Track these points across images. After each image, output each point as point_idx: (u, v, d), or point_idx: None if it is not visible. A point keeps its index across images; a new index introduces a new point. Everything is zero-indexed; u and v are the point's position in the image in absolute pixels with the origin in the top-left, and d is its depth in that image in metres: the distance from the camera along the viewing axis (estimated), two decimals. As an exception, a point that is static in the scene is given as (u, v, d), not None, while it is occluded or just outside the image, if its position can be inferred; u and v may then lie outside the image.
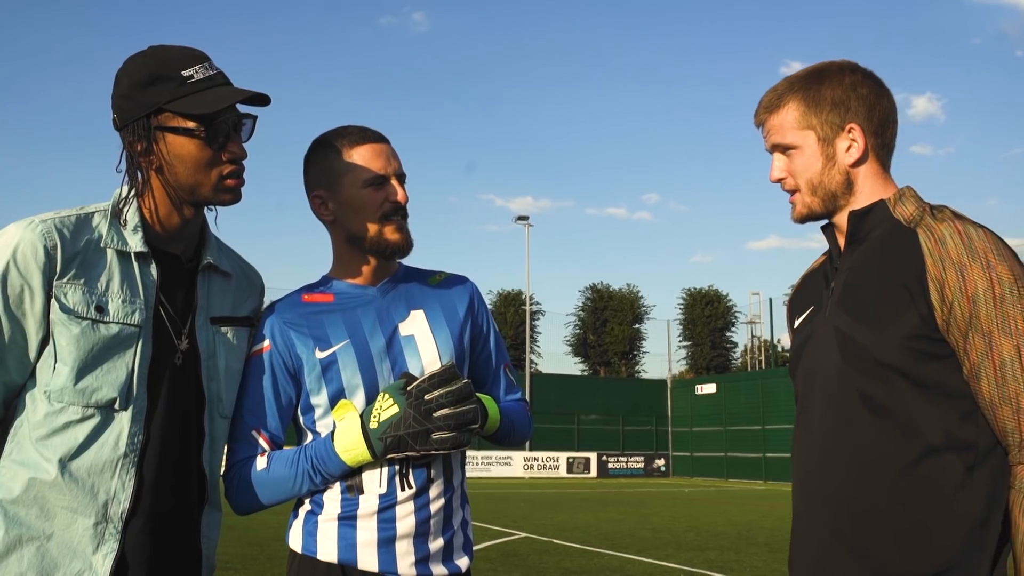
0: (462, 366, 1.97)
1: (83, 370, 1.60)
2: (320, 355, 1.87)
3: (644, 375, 50.35)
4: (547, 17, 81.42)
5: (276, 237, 74.33)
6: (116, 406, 1.63)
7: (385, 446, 1.75)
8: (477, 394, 1.86)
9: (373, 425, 1.77)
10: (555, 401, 41.38)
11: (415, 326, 1.94)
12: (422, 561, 1.83)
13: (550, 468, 36.96)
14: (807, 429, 1.72)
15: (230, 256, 1.94)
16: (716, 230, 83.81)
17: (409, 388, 1.78)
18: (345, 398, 1.86)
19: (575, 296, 74.99)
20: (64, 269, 1.61)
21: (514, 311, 48.95)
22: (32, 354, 1.62)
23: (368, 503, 1.82)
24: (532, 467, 36.62)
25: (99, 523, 1.60)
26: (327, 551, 1.83)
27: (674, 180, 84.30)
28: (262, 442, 1.87)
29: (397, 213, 1.91)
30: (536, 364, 47.99)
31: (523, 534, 12.30)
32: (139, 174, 1.72)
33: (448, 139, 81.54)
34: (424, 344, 1.92)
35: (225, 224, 1.90)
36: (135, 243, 1.70)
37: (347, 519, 1.83)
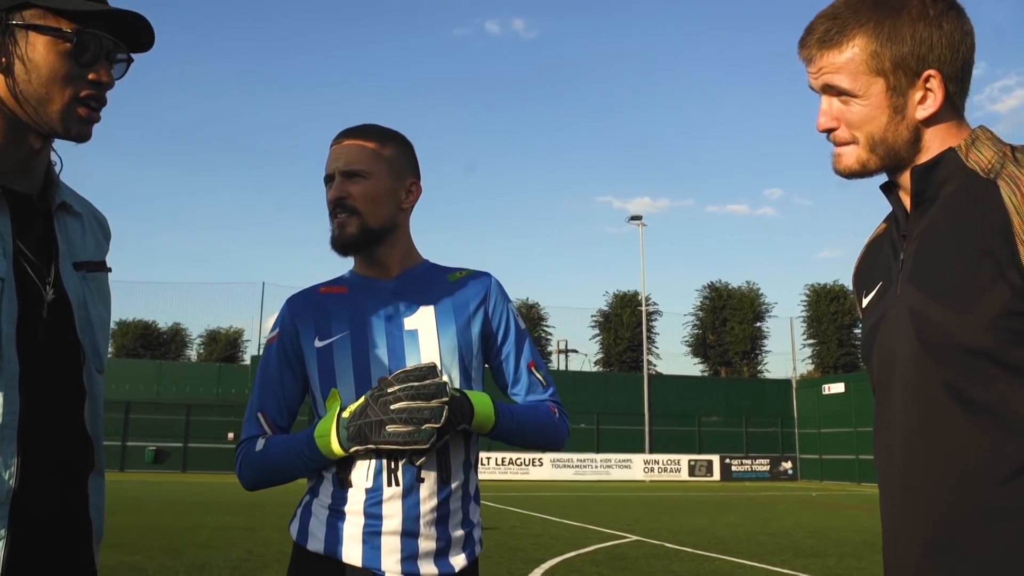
0: (467, 364, 1.93)
1: None
2: (319, 344, 1.91)
3: (767, 375, 48.92)
4: (658, 16, 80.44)
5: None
6: None
7: (348, 435, 1.76)
8: (467, 392, 1.85)
9: (345, 415, 1.78)
10: (675, 403, 40.73)
11: (421, 321, 1.93)
12: (409, 559, 1.80)
13: (671, 471, 36.37)
14: (888, 426, 1.43)
15: (77, 197, 1.69)
16: (843, 223, 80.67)
17: (379, 381, 1.78)
18: (337, 387, 1.86)
19: (693, 295, 73.64)
20: None
21: (630, 312, 48.40)
22: None
23: (356, 497, 1.82)
24: (652, 470, 36.13)
25: None
26: (316, 542, 1.84)
27: (798, 174, 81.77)
28: (264, 424, 1.94)
29: (334, 210, 1.93)
30: (654, 365, 47.33)
31: (634, 537, 12.05)
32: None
33: (563, 144, 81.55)
34: (426, 340, 1.91)
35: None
36: None
37: (336, 512, 1.84)
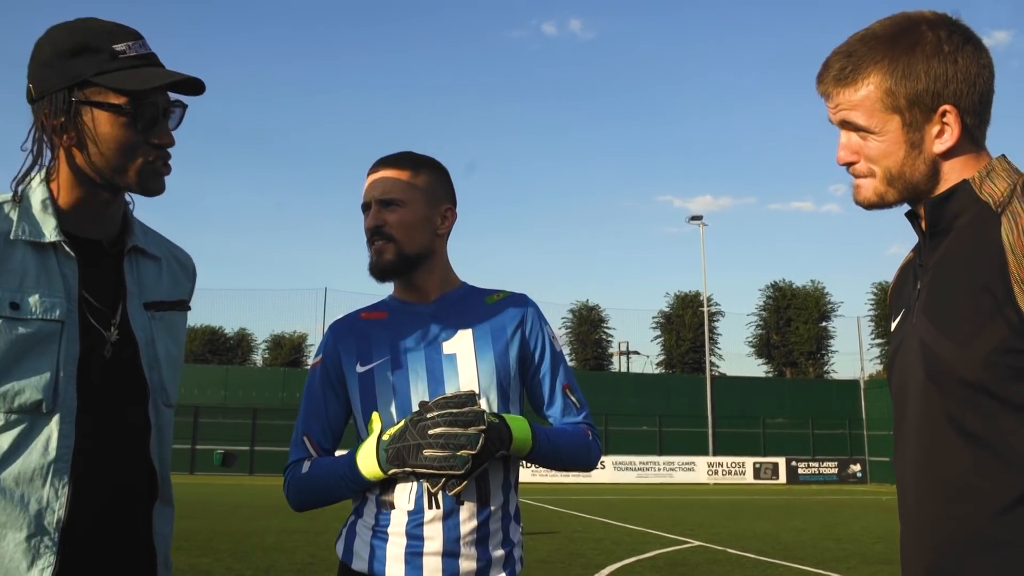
0: (505, 387, 1.96)
1: (2, 373, 1.48)
2: (360, 369, 1.96)
3: (834, 376, 47.96)
4: (717, 12, 79.55)
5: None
6: (43, 409, 1.49)
7: (387, 457, 1.81)
8: (505, 416, 1.88)
9: (384, 438, 1.83)
10: (738, 404, 40.24)
11: (459, 345, 1.97)
12: None
13: (735, 474, 35.91)
14: (903, 449, 1.47)
15: (157, 239, 1.81)
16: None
17: (420, 406, 1.82)
18: (378, 411, 1.92)
19: (756, 295, 72.50)
20: None
21: (692, 313, 47.92)
22: None
23: (398, 519, 1.87)
24: (716, 473, 35.71)
25: (32, 536, 1.47)
26: (360, 562, 1.90)
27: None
28: (309, 447, 2.00)
29: (372, 237, 1.97)
30: (717, 367, 46.76)
31: (696, 542, 11.92)
32: (49, 152, 1.58)
33: (621, 144, 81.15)
34: (464, 363, 1.95)
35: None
36: (49, 232, 1.55)
37: (380, 533, 1.89)
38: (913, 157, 1.42)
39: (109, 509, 1.56)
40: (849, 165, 1.49)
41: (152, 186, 1.61)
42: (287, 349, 45.65)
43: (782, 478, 36.06)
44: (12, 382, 1.48)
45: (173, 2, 72.24)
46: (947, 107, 1.38)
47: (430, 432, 1.75)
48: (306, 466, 1.96)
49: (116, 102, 1.55)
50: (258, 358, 46.88)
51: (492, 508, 1.89)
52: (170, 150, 1.64)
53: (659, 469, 35.21)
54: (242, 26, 73.36)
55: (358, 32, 77.07)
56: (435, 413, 1.77)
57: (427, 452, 1.74)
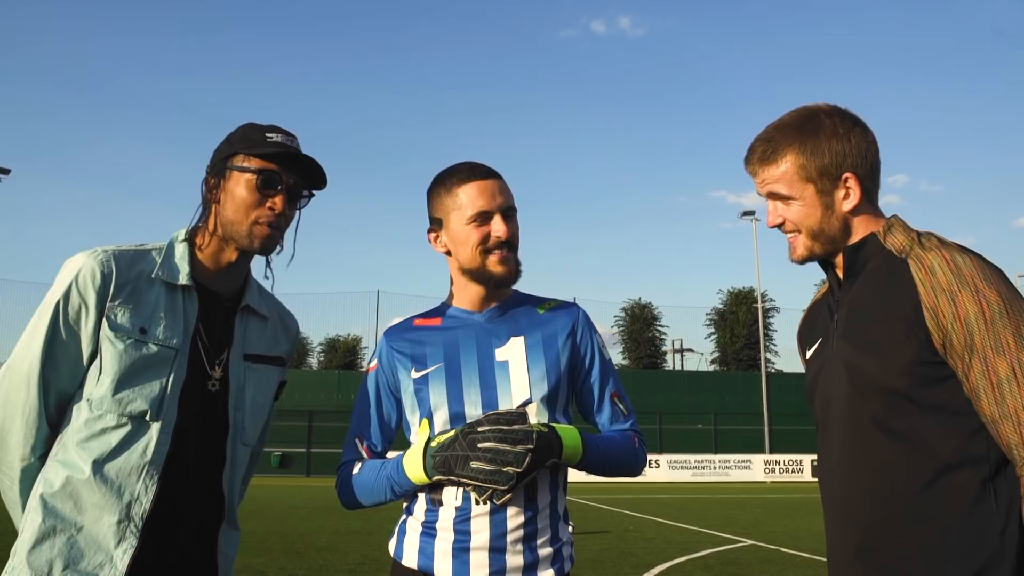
0: (555, 394, 2.01)
1: (122, 382, 1.80)
2: (415, 375, 2.03)
3: (894, 371, 46.88)
4: (767, 6, 78.44)
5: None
6: (147, 417, 1.81)
7: (434, 463, 1.87)
8: (555, 426, 1.93)
9: (433, 444, 1.90)
10: (796, 401, 39.60)
11: (512, 352, 2.02)
12: (496, 573, 1.89)
13: (793, 472, 35.35)
14: (827, 455, 1.79)
15: (269, 301, 2.13)
16: (975, 208, 76.91)
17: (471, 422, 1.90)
18: (431, 417, 1.98)
19: (811, 290, 71.21)
20: (116, 293, 1.84)
21: (746, 309, 47.38)
22: (83, 364, 1.83)
23: (446, 515, 1.93)
24: (773, 471, 35.21)
25: (122, 521, 1.77)
26: (411, 558, 1.97)
27: (926, 159, 78.61)
28: (361, 450, 2.08)
29: (501, 247, 1.99)
30: (773, 363, 46.15)
31: (750, 541, 11.80)
32: (206, 210, 1.96)
33: (672, 140, 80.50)
34: (516, 371, 1.99)
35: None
36: (183, 277, 1.90)
37: (428, 529, 1.96)
38: (828, 216, 1.79)
39: (183, 517, 1.85)
40: (778, 227, 1.86)
41: (258, 243, 1.94)
42: (341, 352, 46.20)
43: (841, 476, 35.42)
44: (128, 392, 1.80)
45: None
46: (848, 174, 1.77)
47: (479, 445, 1.82)
48: (357, 467, 2.05)
49: (250, 166, 1.92)
50: (313, 361, 47.54)
51: (540, 506, 1.94)
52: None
53: (714, 467, 34.82)
54: (324, 27, 74.36)
55: (418, 34, 77.69)
56: (486, 428, 1.83)
57: (474, 464, 1.81)
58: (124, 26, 69.65)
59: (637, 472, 2.12)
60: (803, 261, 1.86)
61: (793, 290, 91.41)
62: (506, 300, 2.10)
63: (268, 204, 1.91)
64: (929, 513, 1.61)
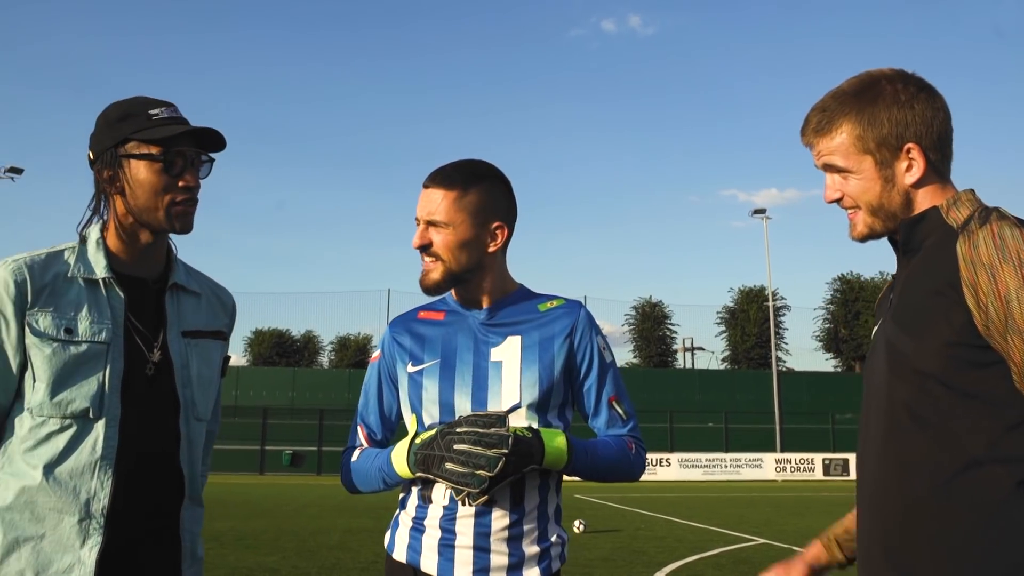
0: (547, 397, 1.99)
1: (57, 385, 1.80)
2: (411, 370, 2.04)
3: (906, 369, 46.68)
4: (777, 4, 78.20)
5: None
6: (90, 415, 1.81)
7: (415, 460, 1.90)
8: (542, 431, 1.92)
9: (417, 441, 1.91)
10: (807, 400, 39.54)
11: (507, 353, 2.00)
12: (481, 571, 1.90)
13: (804, 470, 35.27)
14: (865, 444, 1.69)
15: (199, 278, 2.12)
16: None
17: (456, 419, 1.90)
18: (420, 413, 2.00)
19: (823, 289, 70.99)
20: (35, 299, 1.83)
21: (757, 308, 47.24)
22: (14, 376, 1.83)
23: (434, 512, 1.95)
24: (784, 470, 35.14)
25: (83, 520, 1.78)
26: (400, 552, 2.00)
27: (932, 157, 77.72)
28: (361, 437, 2.12)
29: (421, 254, 2.02)
30: (784, 362, 46.01)
31: (761, 540, 11.79)
32: (104, 202, 1.94)
33: (683, 138, 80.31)
34: (509, 373, 1.98)
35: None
36: (100, 270, 1.89)
37: (418, 525, 1.98)
38: (888, 190, 1.66)
39: (145, 503, 1.85)
40: (836, 202, 1.74)
41: (180, 224, 1.92)
42: (352, 350, 46.27)
43: (852, 474, 35.09)
44: (65, 393, 1.80)
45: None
46: (911, 145, 1.63)
47: (454, 447, 1.82)
48: (356, 454, 2.10)
49: (149, 152, 1.89)
50: (324, 360, 47.63)
51: (527, 509, 1.93)
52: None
53: (726, 466, 34.77)
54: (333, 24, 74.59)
55: (427, 33, 77.78)
56: (463, 429, 1.83)
57: (448, 465, 1.82)
58: (129, 26, 69.90)
59: (633, 479, 2.09)
60: (863, 239, 1.74)
61: (804, 288, 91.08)
62: (507, 296, 2.07)
63: (181, 184, 1.90)
64: (951, 511, 1.48)
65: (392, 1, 76.94)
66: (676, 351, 50.25)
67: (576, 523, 12.60)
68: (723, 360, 48.79)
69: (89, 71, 68.93)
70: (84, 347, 1.82)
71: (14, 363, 1.82)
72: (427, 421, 1.98)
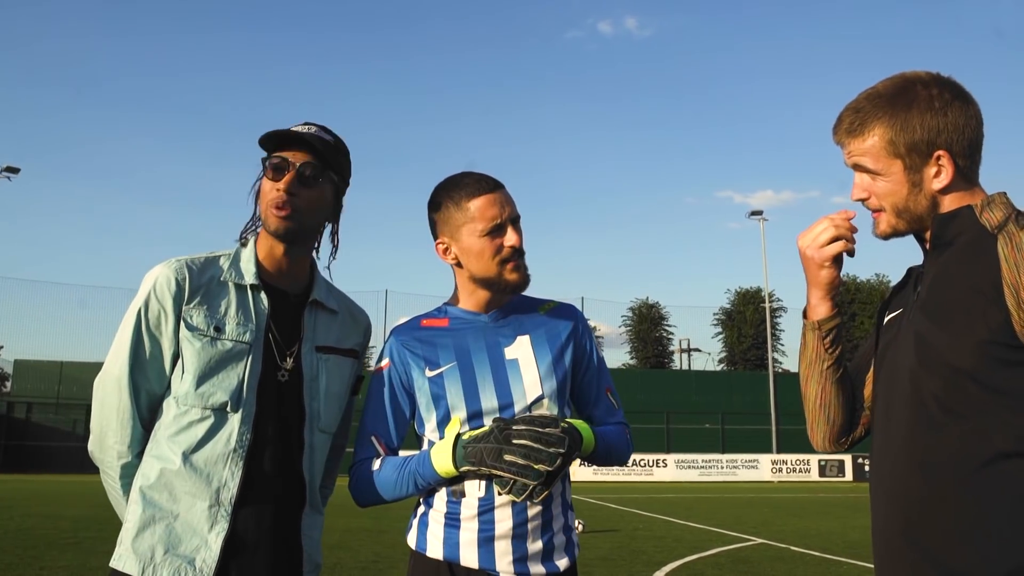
0: (563, 389, 2.12)
1: (203, 378, 1.95)
2: (430, 375, 2.10)
3: (902, 371, 46.72)
4: (773, 7, 78.33)
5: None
6: (228, 408, 1.95)
7: (465, 454, 1.95)
8: (572, 422, 2.02)
9: (465, 437, 1.98)
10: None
11: (520, 350, 2.11)
12: (520, 560, 1.98)
13: (800, 471, 35.34)
14: (887, 434, 1.70)
15: (338, 296, 2.25)
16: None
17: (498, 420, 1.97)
18: (451, 414, 2.06)
19: (821, 290, 70.78)
20: (191, 296, 2.00)
21: (753, 309, 47.32)
22: (167, 366, 2.00)
23: (469, 506, 2.01)
24: (780, 471, 35.21)
25: (212, 506, 1.92)
26: (435, 549, 2.04)
27: (928, 159, 77.77)
28: (378, 446, 2.13)
29: (515, 256, 2.06)
30: (780, 363, 46.07)
31: (759, 540, 11.82)
32: (256, 209, 2.11)
33: (679, 140, 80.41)
34: (526, 367, 2.09)
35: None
36: (249, 277, 2.06)
37: (452, 520, 2.03)
38: (915, 194, 1.69)
39: (268, 500, 1.98)
40: (862, 201, 1.77)
41: (273, 228, 2.04)
42: (349, 351, 46.09)
43: (848, 476, 35.39)
44: (208, 386, 1.95)
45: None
46: (941, 152, 1.65)
47: (515, 441, 1.90)
48: (376, 463, 2.11)
49: (265, 159, 2.06)
50: (322, 360, 47.40)
51: (554, 495, 2.05)
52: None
53: (722, 467, 34.83)
54: (324, 25, 74.48)
55: (424, 34, 77.76)
56: (522, 427, 1.92)
57: (507, 456, 1.90)
58: (130, 26, 69.82)
59: (626, 462, 2.24)
60: (886, 237, 1.77)
61: (801, 290, 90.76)
62: (509, 302, 2.18)
63: (276, 187, 2.02)
64: (977, 497, 1.52)
65: (390, 3, 77.02)
66: (673, 352, 50.35)
67: (576, 523, 12.61)
68: (720, 361, 48.89)
69: (88, 71, 68.85)
70: (229, 345, 1.98)
71: (168, 353, 1.99)
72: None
